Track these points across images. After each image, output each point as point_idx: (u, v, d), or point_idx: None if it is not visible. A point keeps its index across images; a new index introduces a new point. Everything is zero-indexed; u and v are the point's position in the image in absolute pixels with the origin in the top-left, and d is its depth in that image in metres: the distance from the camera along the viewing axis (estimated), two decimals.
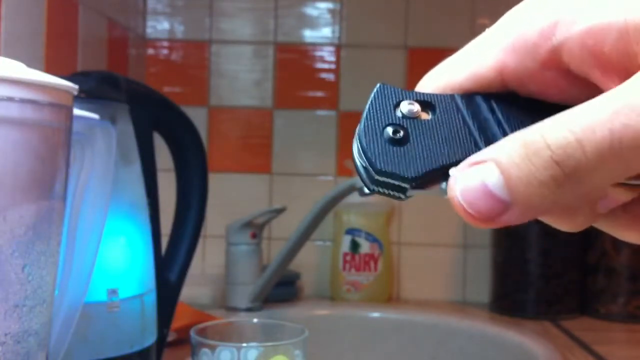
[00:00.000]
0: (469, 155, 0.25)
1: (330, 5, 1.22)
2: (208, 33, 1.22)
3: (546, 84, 0.26)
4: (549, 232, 1.09)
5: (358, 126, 0.26)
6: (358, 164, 0.26)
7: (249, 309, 1.02)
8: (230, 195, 1.20)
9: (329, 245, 1.20)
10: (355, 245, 1.16)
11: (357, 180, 0.94)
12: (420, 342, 1.05)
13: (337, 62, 1.22)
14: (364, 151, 0.25)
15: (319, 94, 1.22)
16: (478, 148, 0.25)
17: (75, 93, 0.39)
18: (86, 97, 0.56)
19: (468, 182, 0.24)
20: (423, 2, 1.21)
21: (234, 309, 1.02)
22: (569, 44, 0.24)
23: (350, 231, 1.16)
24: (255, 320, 0.66)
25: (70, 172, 0.40)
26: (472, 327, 1.03)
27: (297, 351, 0.56)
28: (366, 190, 0.26)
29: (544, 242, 1.09)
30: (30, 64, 0.38)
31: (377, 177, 0.25)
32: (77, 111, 0.41)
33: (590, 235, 1.11)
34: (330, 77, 1.22)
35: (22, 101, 0.34)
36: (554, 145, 0.23)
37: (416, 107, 0.26)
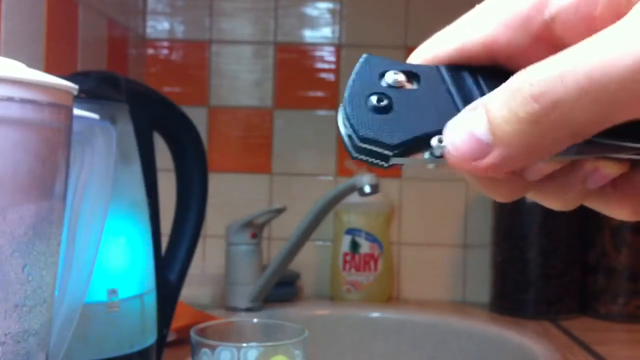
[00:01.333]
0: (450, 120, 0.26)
1: (330, 5, 1.22)
2: (208, 33, 1.22)
3: (536, 59, 0.25)
4: (549, 232, 1.09)
5: (345, 94, 0.26)
6: (342, 131, 0.26)
7: (249, 309, 1.02)
8: (230, 195, 1.20)
9: (329, 245, 1.20)
10: (355, 245, 1.16)
11: (357, 180, 0.94)
12: (420, 342, 1.05)
13: (337, 62, 1.22)
14: (347, 118, 0.26)
15: (319, 94, 1.22)
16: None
17: (75, 93, 0.39)
18: (86, 97, 0.56)
19: (457, 125, 0.25)
20: (423, 2, 1.21)
21: (234, 309, 1.02)
22: (563, 15, 0.24)
23: (350, 231, 1.16)
24: (255, 320, 0.66)
25: (70, 172, 0.40)
26: (472, 327, 1.03)
27: (297, 351, 0.56)
28: (352, 156, 0.26)
29: (544, 242, 1.09)
30: (30, 64, 0.38)
31: (360, 144, 0.25)
32: (77, 111, 0.41)
33: (590, 235, 1.11)
34: (330, 77, 1.22)
35: (22, 101, 0.34)
36: (535, 80, 0.23)
37: (401, 77, 0.26)
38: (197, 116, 1.10)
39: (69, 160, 0.39)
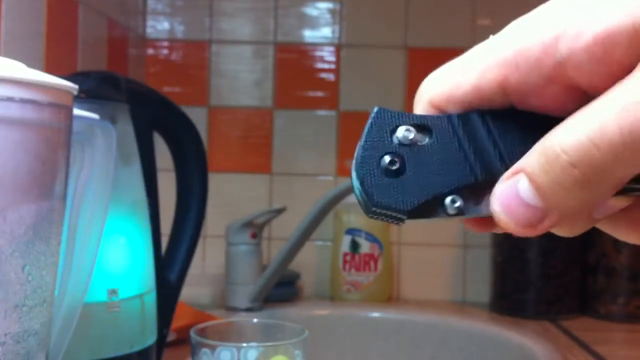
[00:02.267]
0: (463, 182, 0.26)
1: (330, 5, 1.22)
2: (208, 33, 1.22)
3: (551, 99, 0.26)
4: (548, 232, 1.09)
5: (356, 152, 0.26)
6: (357, 192, 0.26)
7: (249, 309, 1.02)
8: (230, 195, 1.20)
9: (329, 245, 1.20)
10: (355, 245, 1.16)
11: None
12: (420, 342, 1.05)
13: (337, 62, 1.22)
14: (361, 182, 0.26)
15: (319, 94, 1.22)
16: (473, 174, 0.26)
17: (75, 93, 0.39)
18: (86, 97, 0.56)
19: (504, 195, 0.25)
20: (423, 2, 1.21)
21: (234, 309, 1.02)
22: (576, 58, 0.24)
23: (350, 231, 1.16)
24: (255, 320, 0.66)
25: (70, 172, 0.40)
26: (472, 327, 1.03)
27: (297, 351, 0.56)
28: (367, 215, 0.27)
29: (544, 242, 1.09)
30: (30, 64, 0.38)
31: (374, 208, 0.26)
32: (77, 111, 0.41)
33: (590, 235, 1.11)
34: (330, 77, 1.22)
35: (22, 101, 0.34)
36: (569, 149, 0.23)
37: (412, 132, 0.26)
38: (197, 116, 1.10)
39: (69, 160, 0.39)
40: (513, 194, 0.25)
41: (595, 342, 0.95)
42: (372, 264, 1.16)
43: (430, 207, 0.26)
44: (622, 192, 0.26)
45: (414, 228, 1.21)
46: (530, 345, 0.91)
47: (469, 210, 0.27)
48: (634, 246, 1.08)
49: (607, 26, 0.23)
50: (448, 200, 0.26)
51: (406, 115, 0.27)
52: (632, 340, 1.03)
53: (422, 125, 0.27)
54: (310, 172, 1.22)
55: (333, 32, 1.22)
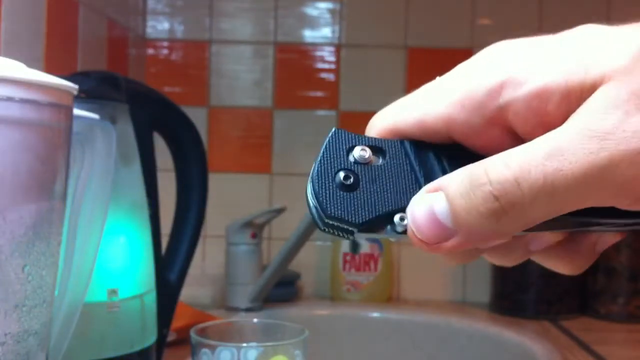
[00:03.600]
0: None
1: (330, 5, 1.22)
2: (208, 33, 1.22)
3: (490, 140, 0.27)
4: None
5: (312, 168, 0.28)
6: (311, 204, 0.28)
7: (249, 309, 1.02)
8: (230, 195, 1.20)
9: (329, 245, 1.20)
10: (355, 245, 1.16)
11: None
12: (420, 342, 1.05)
13: (337, 62, 1.22)
14: (315, 195, 0.27)
15: (319, 94, 1.22)
16: None
17: (75, 93, 0.39)
18: (86, 97, 0.56)
19: (420, 208, 0.26)
20: (423, 2, 1.21)
21: (234, 309, 1.02)
22: (515, 105, 0.26)
23: None
24: (255, 320, 0.66)
25: (70, 172, 0.40)
26: (472, 327, 1.03)
27: (297, 351, 0.56)
28: (319, 228, 0.28)
29: None
30: (30, 64, 0.38)
31: (326, 220, 0.27)
32: (77, 111, 0.41)
33: None
34: (330, 77, 1.22)
35: (22, 101, 0.34)
36: (494, 181, 0.25)
37: (368, 152, 0.28)
38: (197, 116, 1.10)
39: (69, 160, 0.39)
40: (429, 210, 0.26)
41: (595, 342, 0.95)
42: (372, 264, 1.16)
43: (380, 223, 0.27)
44: (562, 226, 0.27)
45: None
46: (530, 345, 0.91)
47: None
48: (634, 246, 1.08)
49: (545, 81, 0.25)
50: (397, 218, 0.27)
51: (362, 137, 0.28)
52: (632, 340, 1.03)
53: (376, 147, 0.28)
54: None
55: (333, 32, 1.22)
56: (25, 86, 0.34)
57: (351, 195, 0.27)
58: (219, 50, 1.22)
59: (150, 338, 0.62)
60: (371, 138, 0.29)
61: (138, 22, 1.20)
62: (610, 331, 1.05)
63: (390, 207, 0.27)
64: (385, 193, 0.27)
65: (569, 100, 0.25)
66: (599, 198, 0.25)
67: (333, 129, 0.28)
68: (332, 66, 1.22)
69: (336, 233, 0.27)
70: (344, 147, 0.28)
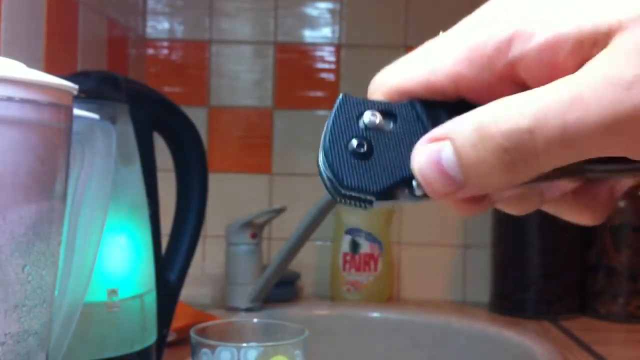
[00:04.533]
0: None
1: (330, 5, 1.22)
2: (208, 33, 1.22)
3: (501, 96, 0.26)
4: (548, 232, 1.09)
5: (322, 137, 0.26)
6: (324, 175, 0.26)
7: (249, 309, 1.02)
8: (230, 195, 1.20)
9: (329, 245, 1.20)
10: (355, 245, 1.16)
11: None
12: (420, 342, 1.05)
13: (337, 62, 1.22)
14: (329, 165, 0.26)
15: (319, 94, 1.22)
16: None
17: (75, 93, 0.39)
18: (86, 97, 0.56)
19: (426, 158, 0.25)
20: (423, 2, 1.21)
21: (234, 309, 1.02)
22: (526, 59, 0.25)
23: (350, 231, 1.16)
24: (255, 320, 0.66)
25: (70, 172, 0.40)
26: (472, 327, 1.03)
27: (297, 351, 0.56)
28: (334, 199, 0.27)
29: (544, 242, 1.09)
30: (30, 64, 0.38)
31: (343, 191, 0.26)
32: (77, 111, 0.41)
33: (591, 235, 1.11)
34: (330, 77, 1.22)
35: (22, 101, 0.34)
36: (505, 131, 0.23)
37: (378, 117, 0.27)
38: (197, 116, 1.10)
39: (69, 160, 0.39)
40: (435, 159, 0.25)
41: (595, 342, 0.95)
42: (372, 264, 1.16)
43: (397, 190, 0.26)
44: (576, 173, 0.26)
45: (414, 228, 1.21)
46: (530, 345, 0.91)
47: None
48: (634, 246, 1.08)
49: (556, 31, 0.24)
50: (415, 182, 0.26)
51: (372, 102, 0.27)
52: (632, 340, 1.03)
53: (386, 111, 0.27)
54: (310, 172, 1.22)
55: (333, 32, 1.22)
56: (25, 86, 0.34)
57: (366, 163, 0.26)
58: (219, 50, 1.22)
59: (150, 338, 0.62)
60: (381, 102, 0.27)
61: (138, 22, 1.20)
62: (610, 331, 1.05)
63: (407, 172, 0.26)
64: (400, 158, 0.26)
65: (581, 50, 0.24)
66: (617, 148, 0.23)
67: (341, 95, 0.27)
68: (332, 66, 1.22)
69: (353, 203, 0.26)
70: (354, 114, 0.27)
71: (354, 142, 0.26)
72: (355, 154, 0.26)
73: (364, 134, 0.26)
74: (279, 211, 1.03)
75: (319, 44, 1.22)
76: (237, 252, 1.03)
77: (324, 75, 1.22)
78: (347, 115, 0.27)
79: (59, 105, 0.37)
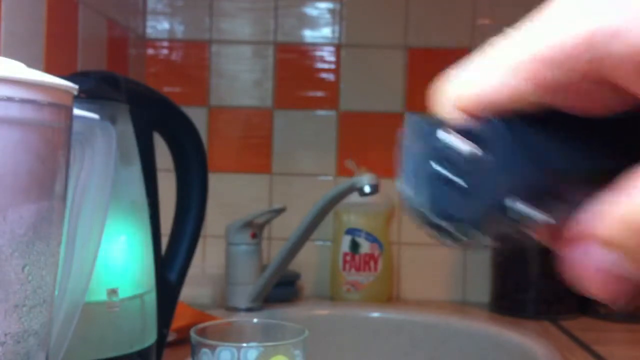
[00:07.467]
0: (525, 181, 0.23)
1: (330, 5, 1.22)
2: (208, 33, 1.22)
3: (589, 98, 0.23)
4: None
5: (402, 165, 0.24)
6: (414, 206, 0.24)
7: (249, 309, 1.02)
8: (230, 195, 1.20)
9: (329, 245, 1.20)
10: (355, 245, 1.16)
11: (357, 180, 0.94)
12: (420, 342, 1.05)
13: (337, 62, 1.22)
14: (417, 194, 0.23)
15: (319, 94, 1.22)
16: (534, 175, 0.23)
17: (75, 93, 0.39)
18: (86, 97, 0.56)
19: (583, 266, 0.23)
20: (423, 2, 1.21)
21: (234, 309, 1.02)
22: (612, 57, 0.21)
23: (350, 231, 1.16)
24: (255, 320, 0.66)
25: (70, 172, 0.40)
26: (472, 327, 1.03)
27: (297, 351, 0.56)
28: (426, 231, 0.24)
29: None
30: (30, 64, 0.38)
31: (436, 220, 0.23)
32: (77, 111, 0.41)
33: None
34: (330, 77, 1.22)
35: (22, 101, 0.34)
36: None
37: (457, 138, 0.24)
38: (197, 116, 1.10)
39: (69, 160, 0.39)
40: (594, 268, 0.22)
41: (595, 342, 0.95)
42: (372, 264, 1.16)
43: (494, 215, 0.23)
44: None
45: (414, 228, 1.21)
46: (530, 345, 0.91)
47: (535, 214, 0.24)
48: None
49: None
50: (510, 203, 0.23)
51: (447, 122, 0.24)
52: (632, 340, 1.03)
53: (465, 130, 0.24)
54: (310, 172, 1.22)
55: (333, 32, 1.22)
56: (25, 86, 0.34)
57: (455, 188, 0.23)
58: (219, 50, 1.22)
59: (150, 338, 0.62)
60: (457, 122, 0.24)
61: (138, 22, 1.20)
62: (610, 331, 1.05)
63: (500, 195, 0.23)
64: (489, 181, 0.23)
65: None
66: None
67: (409, 116, 0.24)
68: (332, 66, 1.22)
69: (446, 236, 0.23)
70: (430, 134, 0.24)
71: (437, 166, 0.23)
72: (441, 178, 0.23)
73: (447, 157, 0.23)
74: (279, 211, 1.03)
75: (319, 44, 1.22)
76: (237, 252, 1.03)
77: (324, 75, 1.22)
78: (423, 138, 0.24)
79: (59, 105, 0.37)
